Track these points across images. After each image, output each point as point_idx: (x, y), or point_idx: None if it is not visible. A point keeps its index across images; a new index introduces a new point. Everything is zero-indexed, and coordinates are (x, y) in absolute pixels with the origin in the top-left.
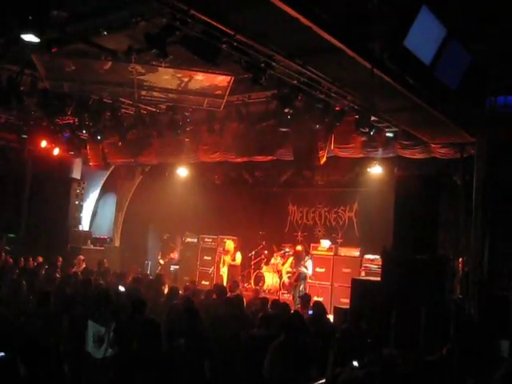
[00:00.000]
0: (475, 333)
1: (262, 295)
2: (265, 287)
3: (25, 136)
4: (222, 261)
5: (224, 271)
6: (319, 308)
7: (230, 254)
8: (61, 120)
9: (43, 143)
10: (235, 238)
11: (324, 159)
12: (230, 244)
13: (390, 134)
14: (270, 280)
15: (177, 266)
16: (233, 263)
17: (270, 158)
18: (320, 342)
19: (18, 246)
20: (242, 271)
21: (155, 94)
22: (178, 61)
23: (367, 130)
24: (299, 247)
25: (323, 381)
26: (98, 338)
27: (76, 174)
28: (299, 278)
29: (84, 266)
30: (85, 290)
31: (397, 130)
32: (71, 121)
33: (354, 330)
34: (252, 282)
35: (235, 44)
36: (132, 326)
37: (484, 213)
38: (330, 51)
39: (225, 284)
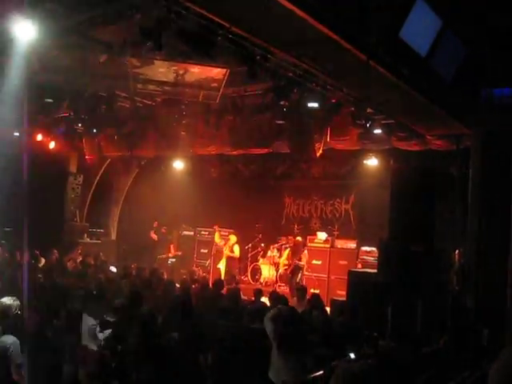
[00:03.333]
0: (472, 324)
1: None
2: (261, 280)
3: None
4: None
5: (222, 263)
6: (316, 300)
7: (228, 245)
8: (56, 113)
9: (39, 137)
10: (231, 230)
11: (320, 151)
12: (233, 238)
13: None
14: (267, 272)
15: (173, 259)
16: (231, 254)
17: (266, 150)
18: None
19: (14, 239)
20: (239, 264)
21: (151, 86)
22: (173, 53)
23: (363, 121)
24: (299, 238)
25: (320, 373)
26: (93, 331)
27: (72, 168)
28: (294, 269)
29: (81, 259)
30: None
31: (393, 121)
32: (67, 114)
33: (350, 322)
34: (249, 274)
35: (230, 36)
36: (128, 320)
37: (480, 204)
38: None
39: (222, 277)
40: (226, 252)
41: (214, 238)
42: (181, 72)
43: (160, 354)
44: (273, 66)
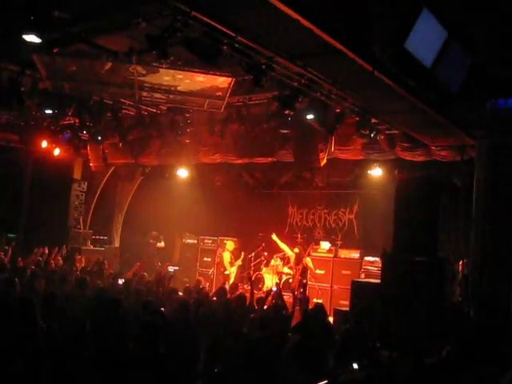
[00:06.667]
0: (474, 335)
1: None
2: (264, 289)
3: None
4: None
5: (233, 271)
6: (319, 310)
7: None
8: (61, 121)
9: (44, 143)
10: (235, 239)
11: (324, 161)
12: (230, 244)
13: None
14: (270, 281)
15: (176, 267)
16: (240, 263)
17: (270, 159)
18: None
19: (17, 246)
20: (241, 272)
21: (156, 95)
22: (178, 62)
23: (367, 131)
24: (297, 250)
25: (323, 383)
26: None
27: (76, 175)
28: (304, 272)
29: (82, 265)
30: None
31: (397, 132)
32: (72, 121)
33: (354, 332)
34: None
35: (236, 45)
36: (108, 326)
37: (484, 215)
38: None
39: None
40: (238, 262)
41: (217, 246)
42: (186, 80)
43: (159, 361)
44: (278, 75)
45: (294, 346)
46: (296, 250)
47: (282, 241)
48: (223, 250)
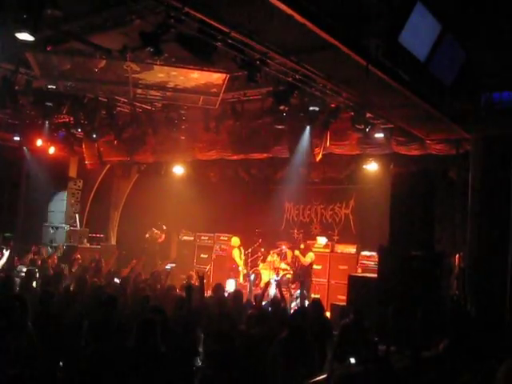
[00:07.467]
0: (472, 329)
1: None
2: (262, 285)
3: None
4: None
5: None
6: (317, 305)
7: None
8: (56, 119)
9: (39, 142)
10: (230, 235)
11: (320, 156)
12: (236, 240)
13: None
14: (267, 277)
15: (173, 264)
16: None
17: (265, 155)
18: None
19: (14, 245)
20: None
21: (150, 92)
22: (173, 59)
23: (363, 126)
24: (301, 247)
25: (322, 377)
26: None
27: (72, 173)
28: (301, 268)
29: (80, 262)
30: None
31: (392, 126)
32: (67, 119)
33: (352, 327)
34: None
35: (230, 42)
36: (105, 324)
37: (480, 208)
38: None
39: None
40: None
41: (213, 243)
42: (180, 77)
43: (156, 359)
44: (272, 70)
45: (280, 341)
46: (301, 246)
47: (279, 236)
48: (232, 248)
